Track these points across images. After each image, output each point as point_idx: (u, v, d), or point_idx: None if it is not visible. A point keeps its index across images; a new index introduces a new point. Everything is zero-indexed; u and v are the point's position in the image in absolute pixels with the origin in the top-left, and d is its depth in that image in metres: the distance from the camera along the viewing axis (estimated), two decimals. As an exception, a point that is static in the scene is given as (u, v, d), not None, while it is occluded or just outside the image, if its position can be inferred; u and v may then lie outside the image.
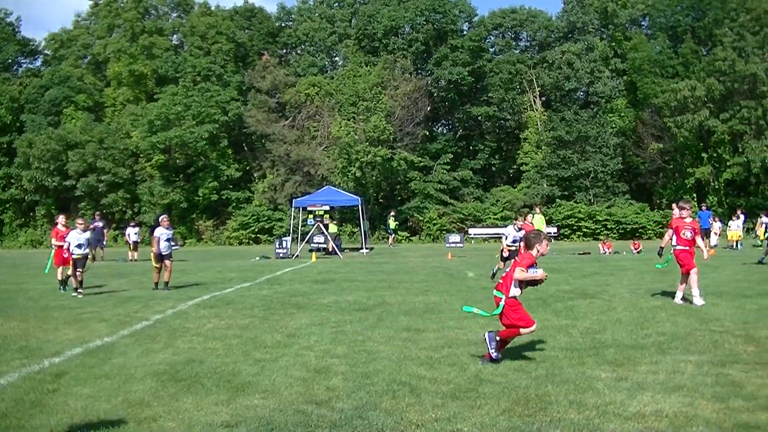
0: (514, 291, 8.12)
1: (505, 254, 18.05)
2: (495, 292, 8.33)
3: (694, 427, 5.72)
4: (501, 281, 8.30)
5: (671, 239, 13.84)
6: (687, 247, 13.15)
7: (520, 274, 8.03)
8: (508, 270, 8.31)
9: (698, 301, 12.71)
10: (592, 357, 8.41)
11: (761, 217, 36.64)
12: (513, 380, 7.36)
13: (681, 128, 48.69)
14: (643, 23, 59.29)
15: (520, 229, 17.82)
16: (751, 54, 47.69)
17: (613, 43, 55.53)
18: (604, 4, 54.02)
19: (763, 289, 15.15)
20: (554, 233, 42.35)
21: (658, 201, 49.76)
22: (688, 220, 13.33)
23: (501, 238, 20.42)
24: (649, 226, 48.20)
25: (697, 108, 48.20)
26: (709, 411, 6.13)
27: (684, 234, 13.20)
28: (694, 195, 49.19)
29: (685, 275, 13.11)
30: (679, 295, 13.24)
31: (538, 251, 8.19)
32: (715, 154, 50.12)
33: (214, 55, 56.32)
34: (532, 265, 8.06)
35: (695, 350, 8.51)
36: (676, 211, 15.21)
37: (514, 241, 17.63)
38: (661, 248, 14.49)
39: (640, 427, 5.76)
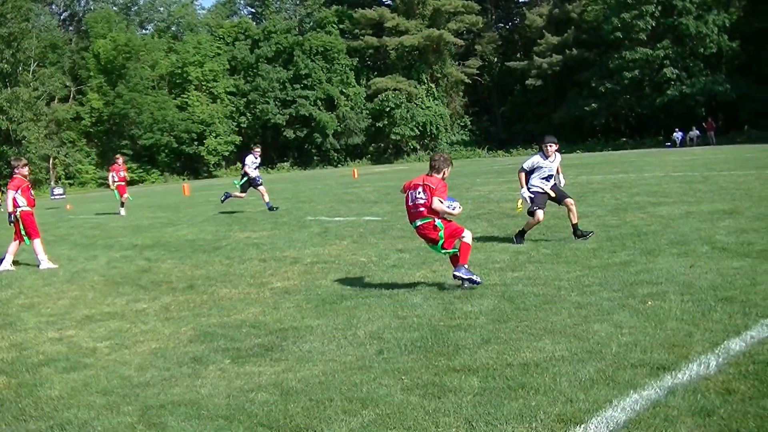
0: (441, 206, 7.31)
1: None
2: (420, 221, 7.45)
3: None
4: (417, 211, 7.46)
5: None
6: None
7: (438, 205, 7.28)
8: (423, 199, 7.37)
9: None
10: None
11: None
12: None
13: None
14: None
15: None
16: None
17: None
18: None
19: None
20: None
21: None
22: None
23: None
24: None
25: None
26: None
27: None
28: None
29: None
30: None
31: (445, 175, 7.55)
32: None
33: None
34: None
35: None
36: None
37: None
38: None
39: None
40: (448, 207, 7.36)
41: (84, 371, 5.71)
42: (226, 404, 4.70)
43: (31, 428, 4.57)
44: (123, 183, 23.54)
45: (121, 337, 6.73)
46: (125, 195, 23.12)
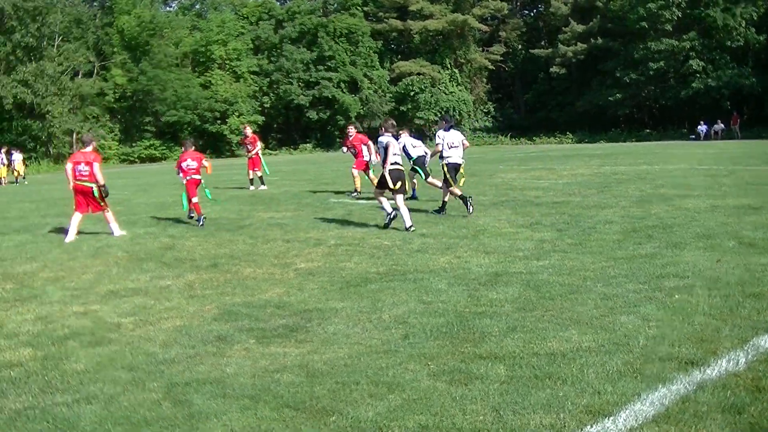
0: None
1: None
2: None
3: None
4: None
5: None
6: None
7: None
8: None
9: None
10: None
11: (14, 153, 36.15)
12: None
13: None
14: None
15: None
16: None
17: None
18: None
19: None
20: None
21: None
22: None
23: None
24: None
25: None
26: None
27: None
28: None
29: None
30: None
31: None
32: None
33: None
34: None
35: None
36: None
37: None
38: None
39: None
40: None
41: (109, 346, 5.75)
42: (252, 384, 4.71)
43: (57, 401, 4.61)
44: (252, 157, 21.10)
45: (145, 313, 6.76)
46: (254, 169, 21.05)
